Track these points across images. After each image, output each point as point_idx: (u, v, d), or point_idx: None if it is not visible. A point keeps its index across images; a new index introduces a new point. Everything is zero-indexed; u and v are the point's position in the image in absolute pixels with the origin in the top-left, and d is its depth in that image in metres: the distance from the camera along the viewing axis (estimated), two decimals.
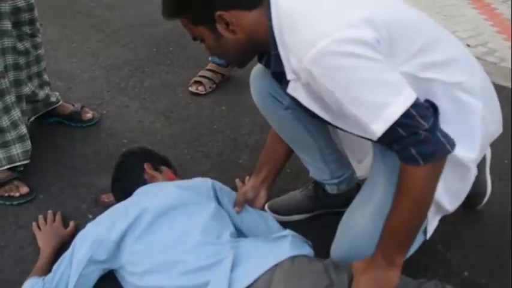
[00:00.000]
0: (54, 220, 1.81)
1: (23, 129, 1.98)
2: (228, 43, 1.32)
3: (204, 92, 2.68)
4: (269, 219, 1.69)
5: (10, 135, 1.94)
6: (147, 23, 3.44)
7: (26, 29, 2.04)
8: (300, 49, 1.19)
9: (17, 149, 1.96)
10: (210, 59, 2.76)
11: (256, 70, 1.66)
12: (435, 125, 1.17)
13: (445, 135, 1.18)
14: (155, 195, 1.57)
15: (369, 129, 1.17)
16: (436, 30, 1.34)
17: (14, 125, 1.95)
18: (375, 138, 1.19)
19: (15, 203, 1.91)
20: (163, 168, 1.82)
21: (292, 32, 1.24)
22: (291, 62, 1.26)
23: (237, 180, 2.02)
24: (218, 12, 1.26)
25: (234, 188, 1.82)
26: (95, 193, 1.96)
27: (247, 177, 2.04)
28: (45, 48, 2.23)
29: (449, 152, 1.18)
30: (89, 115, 2.38)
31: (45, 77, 2.24)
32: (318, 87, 1.21)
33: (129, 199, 1.62)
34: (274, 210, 1.86)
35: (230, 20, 1.27)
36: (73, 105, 2.39)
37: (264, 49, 1.35)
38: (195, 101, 2.62)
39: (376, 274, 1.27)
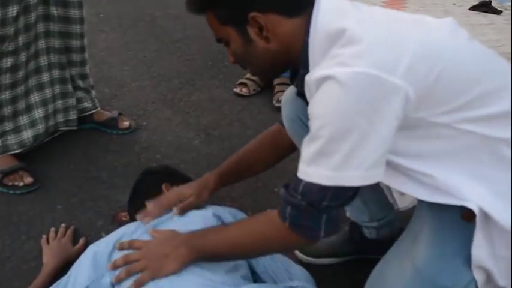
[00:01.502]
0: (64, 235, 1.70)
1: (36, 114, 2.00)
2: (257, 51, 1.13)
3: (247, 94, 2.66)
4: (291, 262, 1.48)
5: (22, 120, 1.97)
6: (207, 36, 3.32)
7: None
8: (321, 66, 1.02)
9: (27, 133, 1.98)
10: None
11: (289, 92, 1.48)
12: (329, 209, 1.05)
13: (330, 222, 1.08)
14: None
15: (303, 166, 1.03)
16: (498, 76, 1.09)
17: (29, 109, 1.98)
18: (298, 174, 1.04)
19: (18, 192, 1.89)
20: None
21: (322, 49, 1.05)
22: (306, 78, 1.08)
23: (269, 211, 1.83)
24: (253, 14, 1.07)
25: None
26: (115, 209, 1.84)
27: None
28: (101, 55, 2.17)
29: (317, 238, 1.09)
30: (126, 123, 2.29)
31: (83, 82, 2.18)
32: (310, 105, 1.04)
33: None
34: (302, 250, 1.65)
35: (265, 25, 1.08)
36: (110, 112, 2.31)
37: (295, 66, 1.17)
38: (239, 119, 2.46)
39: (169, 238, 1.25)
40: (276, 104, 2.52)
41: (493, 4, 4.66)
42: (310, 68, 1.09)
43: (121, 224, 1.74)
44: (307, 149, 1.02)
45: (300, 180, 1.03)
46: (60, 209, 1.84)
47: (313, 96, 1.03)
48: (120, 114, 2.31)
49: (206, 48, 3.19)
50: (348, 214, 1.64)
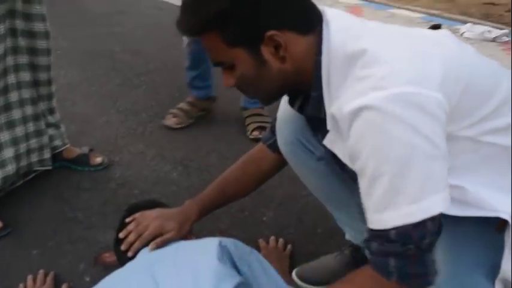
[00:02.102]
0: (44, 282, 1.55)
1: (6, 154, 1.84)
2: (271, 73, 1.04)
3: (178, 126, 2.51)
4: None
5: None
6: (171, 68, 3.27)
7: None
8: (346, 95, 0.95)
9: None
10: (193, 92, 2.60)
11: (284, 113, 1.39)
12: (431, 246, 0.95)
13: (434, 262, 0.97)
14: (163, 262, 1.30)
15: (376, 215, 0.94)
16: (506, 86, 1.08)
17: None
18: (373, 226, 0.96)
19: None
20: None
21: (341, 70, 0.99)
22: (332, 108, 1.01)
23: (261, 240, 1.76)
24: (271, 32, 0.98)
25: (257, 249, 1.54)
26: (97, 251, 1.70)
27: (272, 237, 1.77)
28: (63, 91, 2.06)
29: (428, 284, 0.96)
30: (99, 159, 2.16)
31: (53, 117, 2.05)
32: (349, 143, 0.95)
33: (133, 263, 1.35)
34: (303, 278, 1.57)
35: (284, 44, 1.00)
36: (80, 148, 2.18)
37: (301, 87, 1.08)
38: (216, 150, 2.38)
39: None
40: (251, 137, 2.46)
41: (443, 27, 4.81)
42: (325, 89, 1.02)
43: (105, 265, 1.62)
44: (372, 194, 0.93)
45: (385, 231, 0.93)
46: (36, 254, 1.69)
47: (346, 130, 0.94)
48: (91, 150, 2.19)
49: (170, 80, 3.11)
50: (347, 237, 1.58)
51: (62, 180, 2.08)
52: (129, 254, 1.38)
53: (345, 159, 1.07)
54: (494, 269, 1.10)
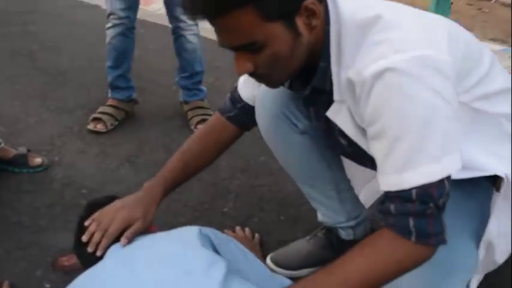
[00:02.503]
0: None
1: None
2: (301, 47, 0.98)
3: (104, 130, 2.35)
4: (282, 278, 1.35)
5: None
6: (98, 66, 3.09)
7: None
8: (364, 59, 0.93)
9: None
10: (109, 94, 2.49)
11: (265, 87, 1.34)
12: (445, 205, 0.97)
13: (445, 225, 0.98)
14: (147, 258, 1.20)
15: (396, 175, 0.94)
16: (489, 55, 1.14)
17: None
18: (391, 188, 0.96)
19: None
20: None
21: (354, 39, 0.97)
22: (342, 76, 0.98)
23: (227, 231, 1.69)
24: (310, 0, 0.93)
25: None
26: (52, 255, 1.56)
27: (238, 227, 1.72)
28: None
29: (443, 242, 0.98)
30: (38, 160, 2.00)
31: None
32: (364, 107, 0.95)
33: (105, 262, 1.24)
34: (278, 264, 1.53)
35: (318, 12, 0.95)
36: (16, 149, 2.00)
37: (309, 60, 1.03)
38: (162, 146, 2.28)
39: None
40: (195, 129, 2.39)
41: None
42: (333, 59, 1.00)
43: (65, 270, 1.49)
44: (393, 155, 0.93)
45: (405, 191, 0.93)
46: None
47: (366, 93, 0.93)
48: (29, 150, 2.01)
49: (99, 77, 2.93)
50: (320, 218, 1.56)
51: None
52: (98, 253, 1.27)
53: (348, 129, 1.06)
54: (478, 233, 1.14)
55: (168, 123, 2.50)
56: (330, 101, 1.07)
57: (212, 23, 0.94)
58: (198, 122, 2.41)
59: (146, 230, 1.41)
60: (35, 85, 2.81)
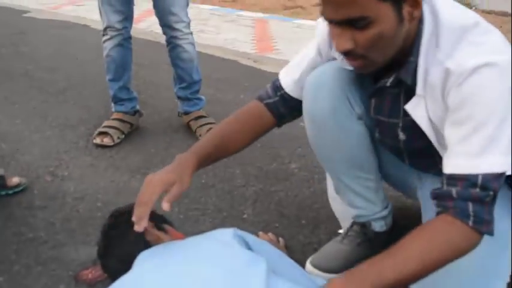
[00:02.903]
0: None
1: None
2: (401, 32, 1.03)
3: (112, 144, 2.31)
4: (318, 278, 1.32)
5: None
6: (96, 82, 3.07)
7: None
8: (466, 54, 1.00)
9: None
10: (113, 109, 2.44)
11: (328, 70, 1.33)
12: (496, 196, 1.02)
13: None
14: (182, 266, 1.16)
15: (468, 159, 0.99)
16: None
17: None
18: (460, 171, 1.00)
19: None
20: (167, 226, 1.43)
21: (453, 38, 1.04)
22: (431, 72, 1.05)
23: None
24: None
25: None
26: (73, 269, 1.51)
27: (261, 232, 1.68)
28: None
29: (491, 233, 1.01)
30: (15, 179, 1.91)
31: None
32: (454, 95, 1.02)
33: (138, 269, 1.20)
34: (320, 267, 1.48)
35: (420, 5, 1.02)
36: None
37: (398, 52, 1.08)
38: (170, 155, 2.24)
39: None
40: None
41: None
42: (422, 56, 1.06)
43: (89, 283, 1.44)
44: (470, 141, 0.99)
45: (472, 175, 0.98)
46: (3, 280, 1.46)
47: (460, 82, 1.00)
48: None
49: (99, 93, 2.92)
50: (355, 214, 1.50)
51: (8, 201, 1.83)
52: (137, 228, 1.21)
53: (422, 122, 1.11)
54: None
55: (174, 135, 2.47)
56: (403, 95, 1.15)
57: None
58: (208, 131, 2.38)
59: (173, 238, 1.38)
60: (35, 103, 2.77)
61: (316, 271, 1.46)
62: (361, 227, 1.51)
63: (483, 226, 0.98)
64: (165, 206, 1.16)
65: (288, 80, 1.40)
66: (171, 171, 1.22)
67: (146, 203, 1.17)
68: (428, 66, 1.06)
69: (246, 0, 7.30)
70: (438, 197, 1.02)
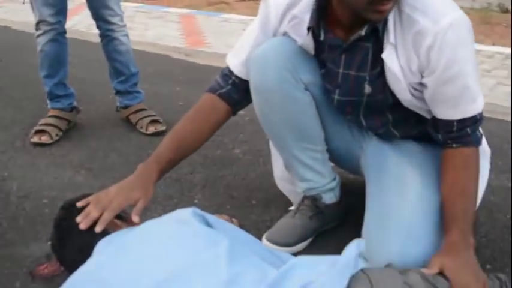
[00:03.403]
0: None
1: None
2: None
3: (50, 142, 2.26)
4: (279, 252, 1.36)
5: None
6: (28, 81, 2.97)
7: None
8: (438, 12, 1.15)
9: None
10: (49, 105, 2.40)
11: (274, 44, 1.38)
12: None
13: None
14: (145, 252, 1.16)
15: (473, 104, 1.23)
16: None
17: None
18: (471, 113, 1.23)
19: None
20: (123, 213, 1.43)
21: None
22: (405, 20, 1.18)
23: None
24: None
25: None
26: (28, 265, 1.47)
27: (216, 215, 1.70)
28: None
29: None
30: None
31: None
32: (434, 53, 1.16)
33: (99, 258, 1.19)
34: (277, 242, 1.53)
35: None
36: None
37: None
38: (114, 150, 2.22)
39: (467, 259, 1.13)
40: (148, 132, 2.36)
41: None
42: None
43: (45, 277, 1.41)
44: (470, 89, 1.21)
45: (476, 114, 1.24)
46: None
47: (446, 39, 1.14)
48: None
49: (30, 93, 2.84)
50: (304, 187, 1.56)
51: None
52: (97, 228, 1.24)
53: (397, 70, 1.23)
54: None
55: (115, 129, 2.44)
56: (371, 49, 1.26)
57: None
58: (149, 124, 2.37)
59: (131, 225, 1.38)
60: None
61: (272, 246, 1.51)
62: (312, 200, 1.57)
63: (481, 141, 1.30)
64: (135, 218, 1.28)
65: (236, 64, 1.45)
66: (135, 184, 1.33)
67: (112, 210, 1.26)
68: (395, 17, 1.18)
69: None
70: (457, 137, 1.25)
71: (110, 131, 2.41)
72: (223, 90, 1.46)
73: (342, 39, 1.30)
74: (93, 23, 2.35)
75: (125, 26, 2.38)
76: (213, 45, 4.14)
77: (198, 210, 1.31)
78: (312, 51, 1.36)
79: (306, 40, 1.33)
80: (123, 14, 2.37)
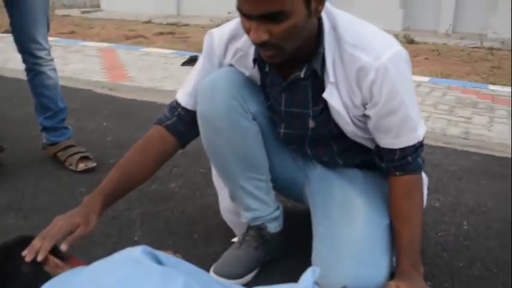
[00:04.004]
0: None
1: None
2: (309, 26, 1.19)
3: None
4: (232, 285, 1.36)
5: None
6: None
7: None
8: (377, 48, 1.22)
9: None
10: None
11: (222, 74, 1.41)
12: None
13: None
14: None
15: (413, 133, 1.30)
16: None
17: None
18: (412, 142, 1.31)
19: None
20: (66, 254, 1.37)
21: (356, 34, 1.24)
22: (346, 61, 1.24)
23: None
24: None
25: None
26: None
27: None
28: None
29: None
30: None
31: None
32: (376, 87, 1.22)
33: None
34: (223, 275, 1.52)
35: (324, 2, 1.19)
36: None
37: (305, 46, 1.25)
38: (44, 189, 2.13)
39: (419, 284, 1.22)
40: (78, 169, 2.30)
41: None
42: (326, 45, 1.24)
43: None
44: (409, 119, 1.27)
45: (418, 142, 1.31)
46: None
47: (388, 73, 1.21)
48: None
49: None
50: (249, 217, 1.57)
51: None
52: (39, 257, 1.22)
53: (339, 107, 1.28)
54: None
55: (42, 167, 2.34)
56: (311, 87, 1.30)
57: None
58: (79, 161, 2.30)
59: (75, 266, 1.34)
60: None
61: (220, 279, 1.50)
62: (257, 230, 1.58)
63: (423, 167, 1.37)
64: (63, 246, 1.26)
65: (182, 95, 1.47)
66: (78, 214, 1.33)
67: (52, 236, 1.24)
68: (335, 56, 1.23)
69: (86, 31, 7.13)
70: (399, 166, 1.32)
71: (37, 169, 2.31)
72: (169, 121, 1.48)
73: (283, 75, 1.35)
74: (8, 57, 2.28)
75: (52, 60, 2.32)
76: (136, 79, 4.11)
77: (148, 248, 1.29)
78: (259, 82, 1.40)
79: (252, 72, 1.37)
80: (50, 48, 2.31)
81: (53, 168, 2.33)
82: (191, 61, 5.00)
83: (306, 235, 1.53)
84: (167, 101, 1.57)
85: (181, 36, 6.95)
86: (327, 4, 1.24)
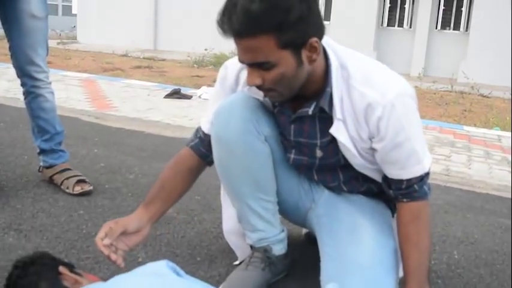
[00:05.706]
0: None
1: None
2: (302, 73, 1.27)
3: None
4: None
5: None
6: None
7: None
8: (385, 85, 1.30)
9: None
10: None
11: (238, 97, 1.48)
12: None
13: None
14: None
15: (419, 165, 1.37)
16: None
17: None
18: (418, 174, 1.38)
19: None
20: (80, 270, 1.40)
21: (364, 71, 1.32)
22: (354, 99, 1.31)
23: None
24: (314, 39, 1.22)
25: None
26: None
27: None
28: None
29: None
30: None
31: None
32: (383, 123, 1.30)
33: None
34: None
35: (319, 49, 1.25)
36: None
37: (310, 87, 1.34)
38: (42, 211, 2.12)
39: None
40: (75, 192, 2.30)
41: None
42: (334, 84, 1.31)
43: None
44: (416, 153, 1.35)
45: (423, 173, 1.37)
46: None
47: (395, 110, 1.29)
48: None
49: None
50: (254, 239, 1.61)
51: None
52: (106, 241, 1.49)
53: (346, 141, 1.35)
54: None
55: (38, 190, 2.34)
56: (318, 120, 1.40)
57: (239, 41, 1.18)
58: (75, 184, 2.31)
59: (91, 281, 1.36)
60: None
61: None
62: (263, 252, 1.61)
63: (430, 194, 1.43)
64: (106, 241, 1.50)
65: (204, 121, 1.58)
66: (132, 221, 1.58)
67: (121, 224, 1.53)
68: (343, 94, 1.30)
69: (63, 62, 7.14)
70: (406, 194, 1.39)
71: (33, 192, 2.31)
72: (193, 143, 1.62)
73: (291, 109, 1.44)
74: None
75: (50, 83, 2.35)
76: (121, 109, 4.14)
77: (170, 262, 1.33)
78: (271, 108, 1.48)
79: (264, 99, 1.46)
80: (48, 71, 2.34)
81: (48, 191, 2.33)
82: (174, 94, 5.08)
83: (310, 256, 1.58)
84: (155, 131, 1.65)
85: (158, 70, 7.04)
86: (332, 42, 1.35)
